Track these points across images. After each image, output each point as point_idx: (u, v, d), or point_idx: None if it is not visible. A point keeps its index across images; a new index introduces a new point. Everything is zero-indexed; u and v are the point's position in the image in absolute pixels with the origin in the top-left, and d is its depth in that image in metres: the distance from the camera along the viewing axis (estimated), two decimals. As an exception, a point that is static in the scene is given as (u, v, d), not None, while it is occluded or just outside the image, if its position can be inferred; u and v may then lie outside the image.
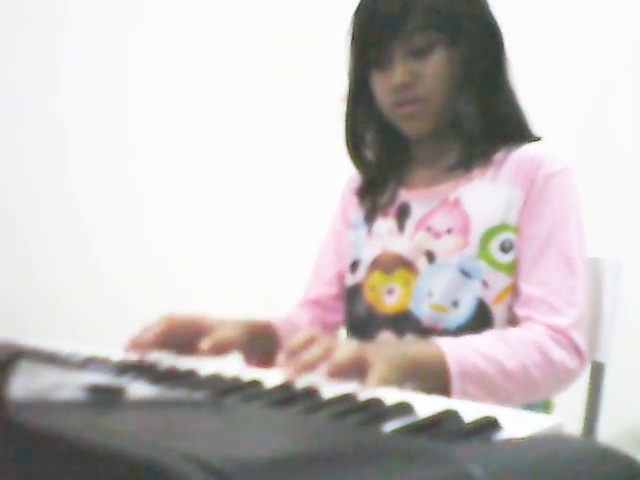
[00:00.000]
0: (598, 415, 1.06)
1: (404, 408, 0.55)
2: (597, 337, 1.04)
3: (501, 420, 0.49)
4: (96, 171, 2.26)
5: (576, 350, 0.91)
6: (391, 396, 0.60)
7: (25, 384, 0.48)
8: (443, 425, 0.50)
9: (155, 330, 0.85)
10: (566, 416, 0.55)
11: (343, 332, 1.13)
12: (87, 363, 0.83)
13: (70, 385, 0.53)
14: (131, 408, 0.47)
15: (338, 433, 0.43)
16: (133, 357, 0.82)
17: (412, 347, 0.84)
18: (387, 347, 0.84)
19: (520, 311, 0.94)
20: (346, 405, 0.57)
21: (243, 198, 2.14)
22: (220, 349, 0.82)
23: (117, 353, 0.85)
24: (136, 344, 0.84)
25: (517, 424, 0.50)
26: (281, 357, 0.74)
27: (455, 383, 0.80)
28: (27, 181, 2.31)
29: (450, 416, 0.51)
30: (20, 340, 0.84)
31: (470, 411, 0.52)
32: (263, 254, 2.09)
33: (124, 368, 0.78)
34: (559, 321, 0.91)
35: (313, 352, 0.70)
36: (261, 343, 0.96)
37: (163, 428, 0.40)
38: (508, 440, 0.46)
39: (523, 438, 0.46)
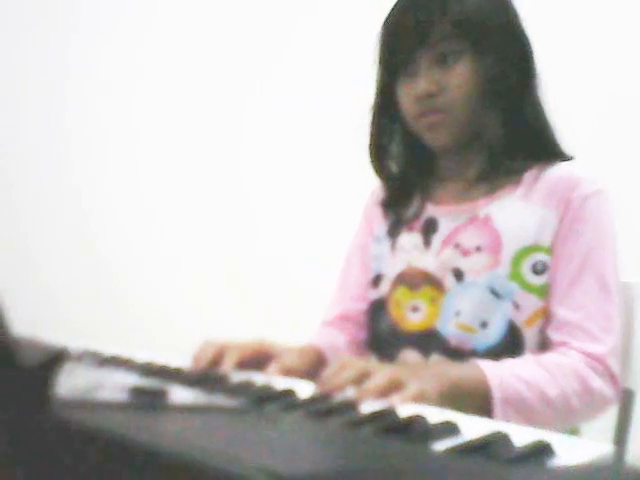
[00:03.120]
0: (627, 442, 1.04)
1: (450, 428, 0.53)
2: (628, 364, 1.02)
3: (555, 446, 0.48)
4: (100, 170, 2.23)
5: (612, 378, 0.90)
6: (432, 414, 0.58)
7: (66, 383, 0.47)
8: (493, 448, 0.48)
9: (229, 364, 0.82)
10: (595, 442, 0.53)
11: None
12: (110, 363, 0.82)
13: (110, 386, 0.52)
14: (176, 412, 0.46)
15: (392, 451, 0.41)
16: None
17: (453, 369, 0.82)
18: (427, 368, 0.83)
19: (555, 335, 0.92)
20: (389, 421, 0.56)
21: (257, 206, 2.13)
22: (286, 375, 0.81)
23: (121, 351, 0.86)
24: None
25: (569, 450, 0.49)
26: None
27: (497, 408, 0.79)
28: (31, 182, 2.30)
29: (500, 439, 0.49)
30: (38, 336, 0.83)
31: (518, 434, 0.51)
32: (274, 260, 2.07)
33: (151, 371, 0.77)
34: (596, 348, 0.89)
35: (345, 376, 0.69)
36: (317, 370, 0.95)
37: (216, 434, 0.39)
38: (565, 467, 0.44)
39: (579, 466, 0.45)
